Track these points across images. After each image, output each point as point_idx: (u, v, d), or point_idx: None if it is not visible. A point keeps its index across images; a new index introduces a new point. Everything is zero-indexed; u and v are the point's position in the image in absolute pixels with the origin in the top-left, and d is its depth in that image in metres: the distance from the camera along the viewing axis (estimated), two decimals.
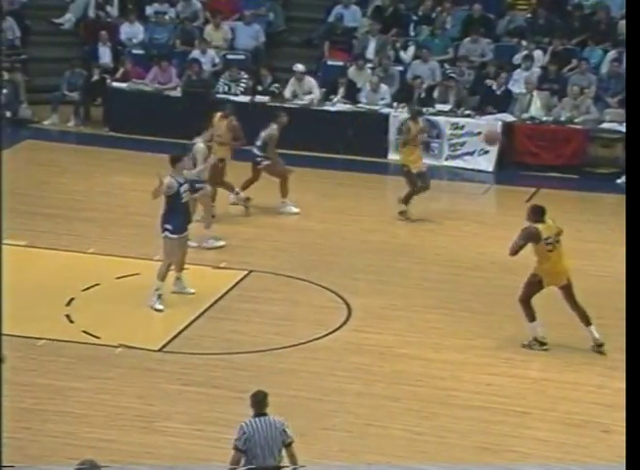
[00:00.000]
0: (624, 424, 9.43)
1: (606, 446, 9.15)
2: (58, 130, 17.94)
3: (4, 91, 18.11)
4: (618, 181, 16.39)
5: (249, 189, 14.63)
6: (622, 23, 18.22)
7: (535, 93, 17.21)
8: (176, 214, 11.48)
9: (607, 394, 9.99)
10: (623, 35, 18.05)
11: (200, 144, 13.67)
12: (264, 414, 7.57)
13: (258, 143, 14.50)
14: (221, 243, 13.52)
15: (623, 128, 16.65)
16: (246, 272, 12.63)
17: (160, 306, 11.48)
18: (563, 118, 16.98)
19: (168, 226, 11.50)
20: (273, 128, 14.36)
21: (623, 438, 9.22)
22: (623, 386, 10.04)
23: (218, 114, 14.56)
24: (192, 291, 11.90)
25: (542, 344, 10.83)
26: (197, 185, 12.89)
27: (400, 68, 18.28)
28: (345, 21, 19.34)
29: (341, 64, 18.51)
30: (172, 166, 11.56)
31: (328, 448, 9.13)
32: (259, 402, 7.62)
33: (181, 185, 11.51)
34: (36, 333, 10.75)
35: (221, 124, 14.44)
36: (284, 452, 7.53)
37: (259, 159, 14.50)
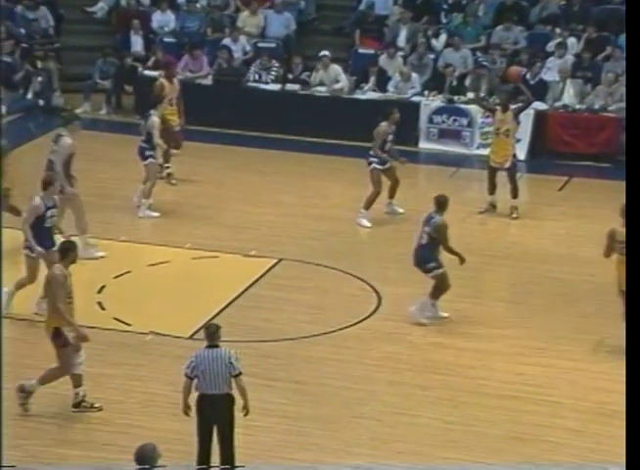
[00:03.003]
0: None
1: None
2: (90, 118, 18.01)
3: (38, 79, 18.22)
4: None
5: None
6: None
7: (569, 81, 17.06)
8: (40, 238, 10.72)
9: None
10: None
11: (154, 118, 13.84)
12: (215, 346, 8.18)
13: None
14: (156, 214, 13.79)
15: None
16: (276, 260, 12.63)
17: None
18: (596, 107, 16.82)
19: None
20: (382, 126, 13.91)
21: None
22: None
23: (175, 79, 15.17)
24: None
25: None
26: (147, 153, 13.63)
27: (432, 55, 18.19)
28: (377, 8, 19.26)
29: (372, 52, 18.44)
30: (43, 189, 10.87)
31: (358, 437, 9.14)
32: (212, 334, 8.25)
33: (48, 209, 10.83)
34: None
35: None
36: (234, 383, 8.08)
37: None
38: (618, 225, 10.46)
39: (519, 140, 16.65)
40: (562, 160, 16.47)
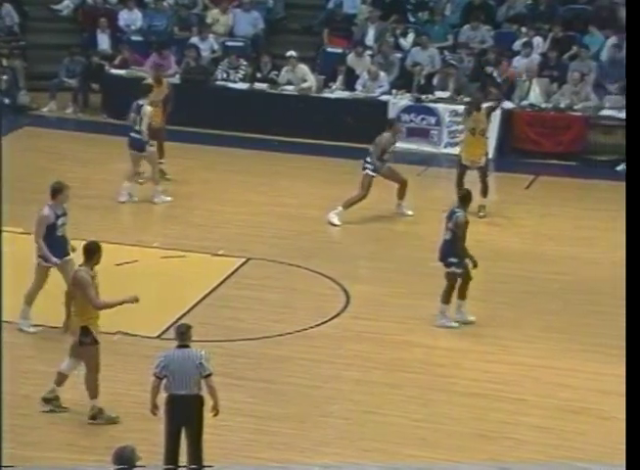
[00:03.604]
0: (622, 410, 9.48)
1: (604, 433, 9.16)
2: (56, 117, 17.91)
3: (4, 78, 18.09)
4: (618, 168, 16.36)
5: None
6: (623, 9, 18.17)
7: (535, 80, 17.17)
8: (52, 248, 10.60)
9: (604, 380, 10.00)
10: (623, 21, 18.01)
11: (147, 107, 14.16)
12: (186, 346, 8.19)
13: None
14: (169, 198, 14.11)
15: (623, 115, 16.61)
16: (244, 260, 12.63)
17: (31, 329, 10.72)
18: (562, 105, 16.94)
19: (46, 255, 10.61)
20: (385, 136, 13.90)
21: (621, 424, 9.27)
22: (621, 372, 10.07)
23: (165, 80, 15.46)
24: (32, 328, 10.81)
25: None
26: (144, 143, 13.97)
27: (400, 54, 18.24)
28: (345, 7, 19.30)
29: (340, 51, 18.47)
30: (52, 198, 10.69)
31: (326, 436, 9.16)
32: (182, 334, 8.26)
33: (58, 217, 10.69)
34: (35, 319, 10.76)
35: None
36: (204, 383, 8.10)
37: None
38: None
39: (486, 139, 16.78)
40: (528, 158, 16.58)
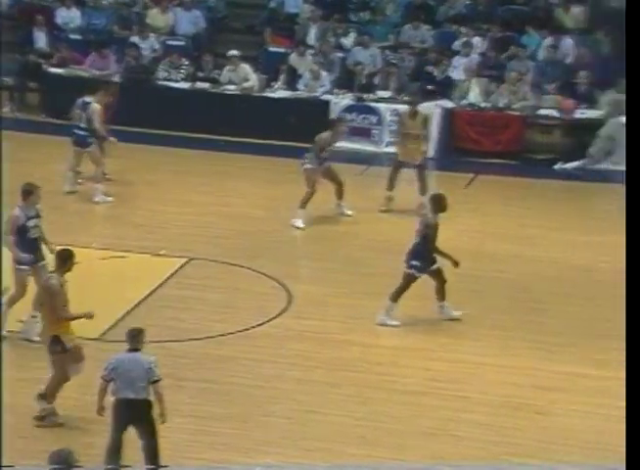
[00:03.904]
0: (560, 406, 9.64)
1: (541, 428, 9.29)
2: None
3: None
4: (556, 167, 16.60)
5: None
6: (559, 10, 18.42)
7: (474, 79, 17.34)
8: (24, 249, 10.43)
9: (544, 376, 10.13)
10: (560, 22, 18.27)
11: (94, 104, 14.16)
12: (136, 350, 8.20)
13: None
14: (110, 198, 14.06)
15: (560, 114, 16.86)
16: (186, 260, 12.59)
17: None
18: (501, 105, 17.13)
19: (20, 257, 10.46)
20: (324, 135, 13.89)
21: (559, 419, 9.43)
22: (559, 369, 10.27)
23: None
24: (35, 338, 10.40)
25: None
26: (88, 140, 14.00)
27: (341, 54, 18.30)
28: (287, 7, 19.32)
29: (282, 50, 18.48)
30: (23, 200, 10.52)
31: (268, 435, 9.16)
32: (132, 338, 8.27)
33: (30, 219, 10.51)
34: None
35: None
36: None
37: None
38: None
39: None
40: (468, 157, 16.73)
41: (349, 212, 14.20)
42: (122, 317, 11.08)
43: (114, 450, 8.19)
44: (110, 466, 8.14)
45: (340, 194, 14.18)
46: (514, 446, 8.96)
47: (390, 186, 14.49)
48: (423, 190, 14.43)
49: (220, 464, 8.70)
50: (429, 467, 8.60)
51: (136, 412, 8.11)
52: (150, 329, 10.70)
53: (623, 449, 8.87)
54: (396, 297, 11.08)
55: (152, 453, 8.17)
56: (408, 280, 11.04)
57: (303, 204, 13.79)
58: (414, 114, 14.61)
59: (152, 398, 8.18)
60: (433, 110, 16.85)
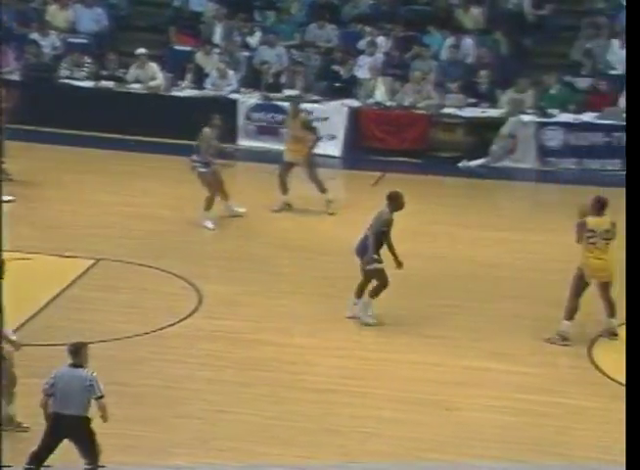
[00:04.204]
0: (467, 400, 9.84)
1: (448, 423, 9.47)
2: None
3: None
4: (460, 165, 16.90)
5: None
6: (459, 10, 18.75)
7: (380, 79, 17.54)
8: None
9: (449, 372, 10.32)
10: (461, 22, 18.61)
11: None
12: (77, 366, 8.04)
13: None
14: (11, 198, 13.12)
15: (463, 113, 17.17)
16: (94, 261, 12.48)
17: None
18: (406, 104, 17.36)
19: None
20: (205, 132, 13.77)
21: (463, 413, 9.63)
22: (466, 364, 10.48)
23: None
24: None
25: (565, 339, 10.81)
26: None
27: (247, 53, 18.32)
28: (191, 5, 19.25)
29: (188, 49, 18.41)
30: None
31: (179, 437, 9.15)
32: (72, 353, 8.11)
33: None
34: None
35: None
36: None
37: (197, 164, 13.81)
38: (590, 217, 10.75)
39: (334, 137, 17.05)
40: (375, 155, 16.91)
41: (241, 210, 14.10)
42: (29, 319, 10.93)
43: (36, 459, 8.07)
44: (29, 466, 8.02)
45: (225, 195, 13.96)
46: (421, 442, 9.12)
47: (284, 189, 14.40)
48: (320, 189, 14.44)
49: (131, 466, 8.66)
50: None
51: (72, 428, 8.01)
52: (57, 331, 10.69)
53: (531, 442, 9.17)
54: (376, 293, 11.08)
55: (92, 467, 8.09)
56: (380, 275, 11.03)
57: (208, 206, 13.72)
58: (295, 114, 14.64)
59: (90, 414, 8.03)
60: (340, 108, 17.06)
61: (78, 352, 8.06)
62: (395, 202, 11.22)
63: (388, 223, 11.15)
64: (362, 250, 11.17)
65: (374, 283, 11.14)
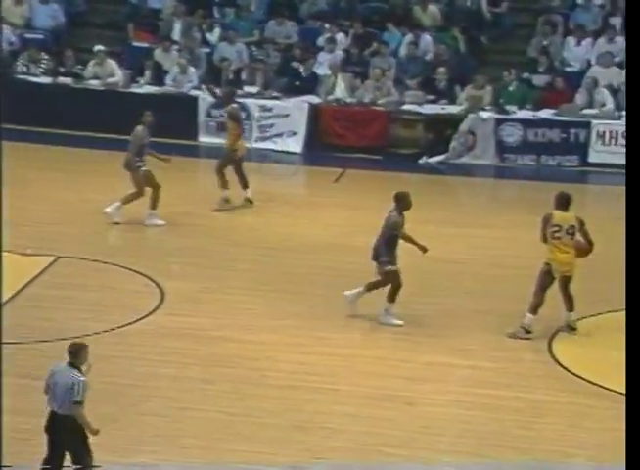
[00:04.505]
0: (429, 396, 9.91)
1: (410, 418, 9.53)
2: None
3: None
4: (420, 161, 16.99)
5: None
6: (417, 8, 18.85)
7: (340, 75, 17.58)
8: None
9: (411, 367, 10.38)
10: (419, 20, 18.71)
11: None
12: (71, 365, 7.99)
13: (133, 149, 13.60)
14: None
15: (423, 109, 17.27)
16: (53, 258, 12.40)
17: None
18: (366, 100, 17.42)
19: None
20: (137, 130, 13.60)
21: (426, 409, 9.70)
22: (427, 359, 10.55)
23: None
24: None
25: (528, 332, 10.89)
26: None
27: (207, 49, 18.27)
28: (149, 2, 19.17)
29: (146, 45, 18.33)
30: None
31: (142, 434, 9.12)
32: (71, 353, 8.04)
33: None
34: None
35: None
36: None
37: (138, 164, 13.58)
38: (555, 211, 10.80)
39: (295, 133, 17.06)
40: (336, 152, 16.95)
41: (161, 222, 13.62)
42: None
43: (47, 460, 8.04)
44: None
45: (131, 199, 13.59)
46: (385, 437, 9.16)
47: (243, 184, 14.31)
48: (242, 184, 14.35)
49: (93, 465, 8.60)
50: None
51: (55, 426, 7.96)
52: (17, 329, 10.59)
53: (493, 436, 9.26)
54: (392, 297, 11.00)
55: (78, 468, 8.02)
56: (394, 277, 10.99)
57: (153, 204, 13.52)
58: (226, 103, 14.48)
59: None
60: (300, 105, 17.08)
61: (77, 353, 7.98)
62: (403, 202, 11.17)
63: (398, 226, 11.06)
64: (376, 254, 11.09)
65: (389, 286, 11.03)
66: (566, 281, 10.97)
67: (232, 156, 14.36)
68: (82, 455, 8.03)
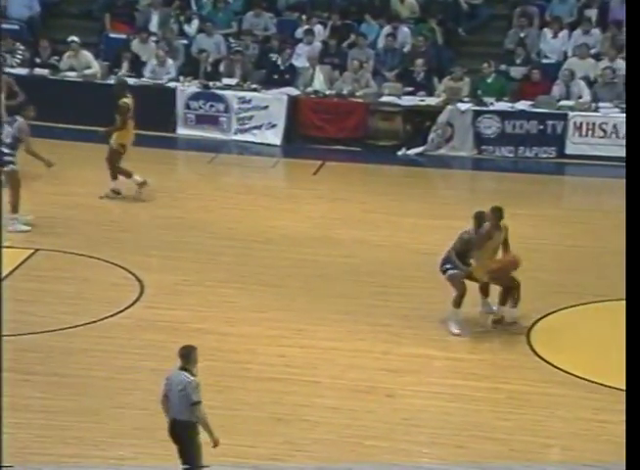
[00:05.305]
0: (409, 387, 9.95)
1: (391, 410, 9.57)
2: None
3: None
4: (399, 153, 17.01)
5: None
6: None
7: (318, 67, 17.56)
8: None
9: (391, 359, 10.41)
10: (396, 12, 18.72)
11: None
12: (183, 369, 7.99)
13: (8, 140, 12.90)
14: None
15: (402, 101, 17.28)
16: (32, 251, 12.34)
17: None
18: (345, 92, 17.42)
19: None
20: (19, 123, 12.97)
21: (407, 400, 9.74)
22: (407, 351, 10.58)
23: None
24: None
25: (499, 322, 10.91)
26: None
27: (185, 41, 18.21)
28: None
29: (123, 37, 18.24)
30: None
31: (122, 427, 9.11)
32: (182, 357, 8.05)
33: None
34: None
35: None
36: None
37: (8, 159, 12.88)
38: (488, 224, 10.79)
39: (274, 125, 17.04)
40: (315, 144, 16.94)
41: (26, 228, 12.98)
42: None
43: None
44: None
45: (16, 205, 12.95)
46: (365, 429, 9.20)
47: (116, 175, 14.17)
48: (113, 175, 14.25)
49: (71, 459, 8.61)
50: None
51: (175, 433, 7.97)
52: None
53: (472, 428, 9.31)
54: (457, 304, 10.85)
55: None
56: (456, 283, 10.84)
57: (14, 209, 12.92)
58: (118, 97, 14.22)
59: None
60: (279, 97, 17.05)
61: (187, 356, 7.98)
62: (477, 221, 10.97)
63: (468, 243, 10.88)
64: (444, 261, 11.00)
65: (453, 293, 10.90)
66: (487, 285, 10.99)
67: (121, 150, 14.13)
68: (190, 460, 7.99)
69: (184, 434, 7.99)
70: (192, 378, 7.93)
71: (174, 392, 7.96)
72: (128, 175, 14.20)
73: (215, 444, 7.96)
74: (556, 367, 10.26)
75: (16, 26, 18.25)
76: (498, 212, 10.94)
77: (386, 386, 9.93)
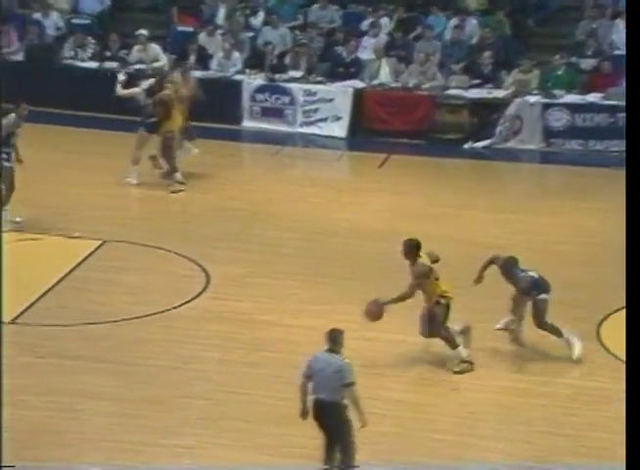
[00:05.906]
0: (474, 381, 9.86)
1: (457, 404, 9.51)
2: None
3: None
4: (466, 146, 16.88)
5: None
6: None
7: (384, 60, 17.50)
8: None
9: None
10: (464, 3, 18.56)
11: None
12: (331, 351, 8.08)
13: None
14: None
15: (468, 94, 17.15)
16: (100, 242, 12.48)
17: None
18: (411, 85, 17.33)
19: None
20: (10, 118, 12.68)
21: (472, 395, 9.65)
22: (473, 345, 10.47)
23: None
24: None
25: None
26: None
27: (251, 34, 18.26)
28: None
29: (190, 29, 18.36)
30: None
31: (188, 417, 9.17)
32: (330, 339, 8.13)
33: None
34: None
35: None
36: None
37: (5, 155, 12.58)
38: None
39: (339, 118, 17.02)
40: (380, 137, 16.89)
41: (18, 219, 12.64)
42: (37, 300, 10.94)
43: (324, 449, 8.16)
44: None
45: (8, 198, 12.58)
46: (431, 423, 9.12)
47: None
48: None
49: (141, 446, 8.69)
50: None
51: (322, 413, 8.05)
52: (65, 312, 10.72)
53: (540, 423, 9.18)
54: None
55: (342, 455, 8.11)
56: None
57: (6, 200, 12.49)
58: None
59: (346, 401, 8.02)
60: (344, 90, 17.02)
61: (336, 339, 8.11)
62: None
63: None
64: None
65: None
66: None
67: (171, 136, 14.16)
68: (346, 446, 8.09)
69: (335, 413, 8.05)
70: (346, 360, 8.05)
71: (326, 373, 8.00)
72: (174, 170, 14.20)
73: (364, 424, 8.05)
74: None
75: (87, 21, 18.48)
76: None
77: (451, 380, 9.85)
